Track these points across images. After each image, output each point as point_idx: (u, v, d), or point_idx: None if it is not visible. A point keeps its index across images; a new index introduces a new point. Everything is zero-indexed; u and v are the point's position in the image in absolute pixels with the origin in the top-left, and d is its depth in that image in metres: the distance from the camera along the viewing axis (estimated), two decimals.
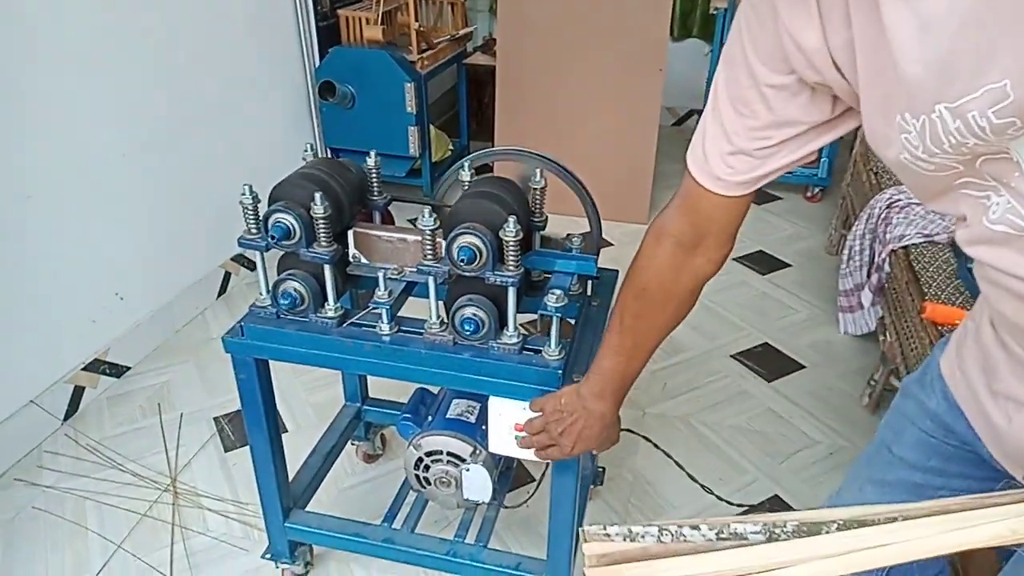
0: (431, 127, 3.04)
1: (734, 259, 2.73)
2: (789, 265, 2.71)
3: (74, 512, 1.67)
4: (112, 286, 2.05)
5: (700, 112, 3.39)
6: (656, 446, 1.44)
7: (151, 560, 1.56)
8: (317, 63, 2.78)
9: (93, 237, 1.96)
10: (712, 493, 1.40)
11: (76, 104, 1.85)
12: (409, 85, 2.71)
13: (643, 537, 0.67)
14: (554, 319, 1.05)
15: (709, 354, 2.21)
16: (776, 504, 1.70)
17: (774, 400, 2.03)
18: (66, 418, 1.93)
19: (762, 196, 3.24)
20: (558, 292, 1.04)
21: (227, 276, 2.49)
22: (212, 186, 2.38)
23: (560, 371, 1.07)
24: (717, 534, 0.68)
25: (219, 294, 2.47)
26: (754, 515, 0.65)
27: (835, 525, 0.62)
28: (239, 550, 1.58)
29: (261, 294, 1.17)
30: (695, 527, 0.67)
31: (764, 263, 2.71)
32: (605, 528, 0.67)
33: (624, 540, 0.67)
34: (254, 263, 2.62)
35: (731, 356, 2.20)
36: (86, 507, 1.69)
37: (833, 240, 2.77)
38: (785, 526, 0.64)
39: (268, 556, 1.45)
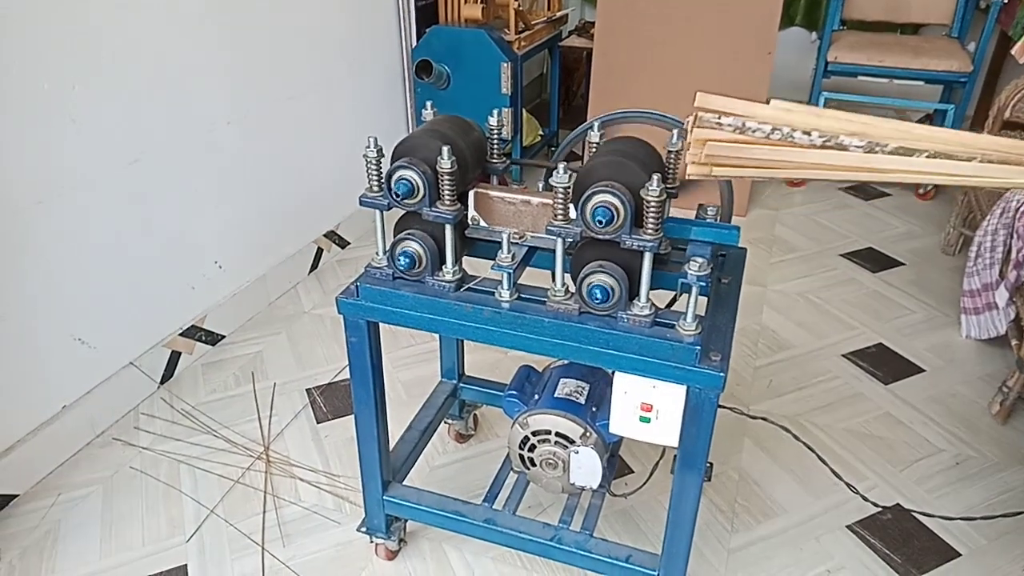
0: (523, 111, 2.98)
1: (841, 255, 2.58)
2: (902, 264, 2.53)
3: (168, 474, 1.68)
4: (212, 254, 2.06)
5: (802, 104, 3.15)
6: (796, 437, 1.34)
7: (243, 527, 1.55)
8: (414, 42, 2.75)
9: (197, 203, 1.98)
10: (858, 493, 1.28)
11: (188, 70, 1.86)
12: (506, 65, 2.66)
13: (754, 132, 0.83)
14: (694, 289, 0.97)
15: (818, 352, 2.08)
16: (899, 513, 1.57)
17: (892, 404, 1.89)
18: (162, 381, 1.95)
19: (870, 192, 3.06)
20: (700, 260, 0.95)
21: (319, 252, 2.49)
22: (306, 161, 2.38)
23: (697, 348, 0.98)
24: (824, 141, 0.83)
25: (311, 269, 2.47)
26: (861, 130, 0.83)
27: (925, 154, 0.82)
28: (331, 522, 1.54)
29: (377, 254, 1.13)
30: (807, 132, 0.83)
31: (874, 260, 2.55)
32: (719, 117, 0.83)
33: (735, 131, 0.82)
34: (346, 241, 2.64)
35: (842, 356, 2.06)
36: (180, 470, 1.69)
37: (951, 239, 2.58)
38: (886, 147, 0.82)
39: (364, 529, 1.41)
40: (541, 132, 3.25)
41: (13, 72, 1.45)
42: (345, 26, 2.46)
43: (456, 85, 2.74)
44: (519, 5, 2.78)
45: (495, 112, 1.18)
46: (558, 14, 3.13)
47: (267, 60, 2.13)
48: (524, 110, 3.02)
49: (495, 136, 1.20)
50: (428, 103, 1.19)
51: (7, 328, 1.55)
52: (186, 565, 1.46)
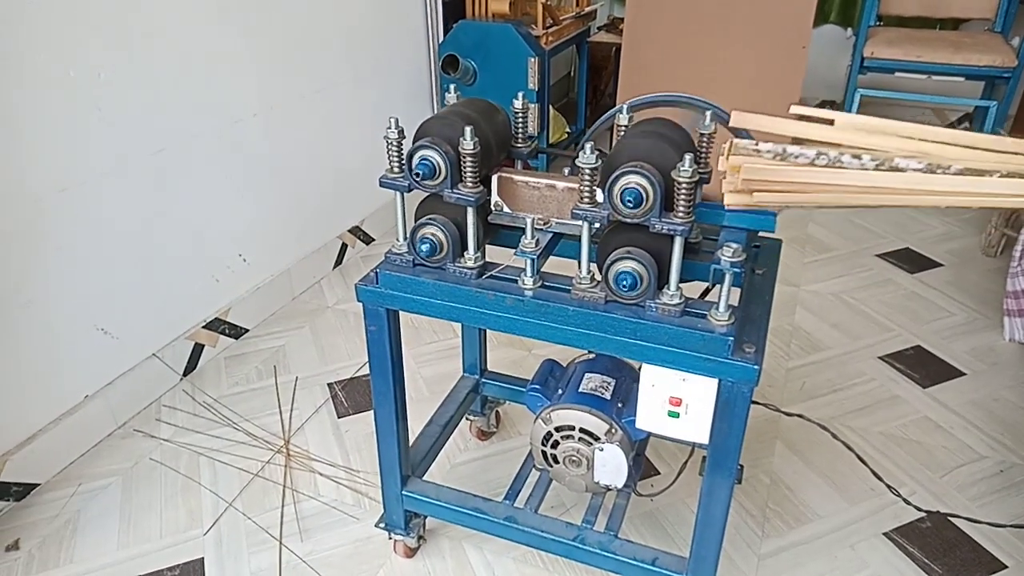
0: (550, 108, 2.94)
1: (877, 255, 2.50)
2: (940, 265, 2.45)
3: (188, 467, 1.66)
4: (236, 247, 2.05)
5: (834, 103, 3.17)
6: (835, 436, 1.28)
7: (261, 521, 1.52)
8: (441, 37, 2.73)
9: (222, 195, 1.97)
10: (899, 496, 1.22)
11: (214, 60, 1.85)
12: (533, 60, 2.62)
13: (796, 157, 0.73)
14: (727, 276, 0.92)
15: (853, 355, 2.01)
16: (940, 521, 1.50)
17: (931, 408, 1.81)
18: (185, 374, 1.94)
19: None
20: (735, 246, 0.90)
21: (343, 247, 2.48)
22: (332, 156, 2.36)
23: (730, 339, 0.93)
24: (877, 165, 0.73)
25: (335, 264, 2.45)
26: (921, 150, 0.73)
27: (998, 173, 0.71)
28: (350, 518, 1.52)
29: (398, 240, 1.09)
30: (857, 156, 0.73)
31: (912, 261, 2.46)
32: (757, 144, 0.74)
33: (775, 158, 0.73)
34: (371, 237, 2.63)
35: (879, 358, 1.99)
36: (200, 463, 1.68)
37: (992, 240, 2.49)
38: (949, 168, 0.72)
39: (382, 525, 1.37)
40: (568, 129, 3.21)
41: (40, 59, 1.45)
42: (371, 20, 2.44)
43: (483, 80, 2.71)
44: (547, 0, 2.74)
45: (520, 95, 1.15)
46: (587, 9, 3.09)
47: (293, 54, 2.12)
48: (551, 107, 2.98)
49: (520, 120, 1.16)
50: (452, 86, 1.16)
51: (31, 317, 1.55)
52: (203, 558, 1.44)
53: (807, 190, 0.75)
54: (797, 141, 0.79)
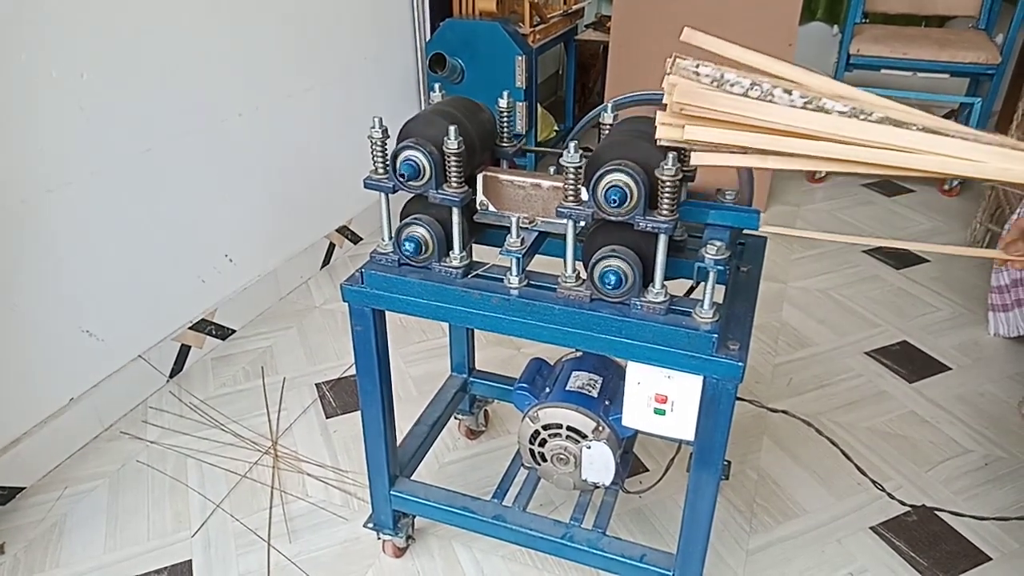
0: (538, 106, 2.94)
1: (864, 251, 2.52)
2: (926, 260, 2.46)
3: (175, 468, 1.66)
4: (223, 247, 2.04)
5: None
6: (819, 432, 1.28)
7: (249, 522, 1.52)
8: (428, 35, 2.73)
9: (208, 195, 1.96)
10: (884, 491, 1.23)
11: (200, 59, 1.84)
12: (520, 58, 2.62)
13: (732, 86, 0.76)
14: (711, 274, 0.92)
15: (840, 350, 2.02)
16: (925, 515, 1.51)
17: (917, 403, 1.82)
18: (172, 375, 1.93)
19: (892, 188, 2.99)
20: (718, 244, 0.91)
21: (331, 247, 2.47)
22: (318, 155, 2.36)
23: (714, 336, 0.94)
24: (805, 102, 0.75)
25: (323, 265, 2.45)
26: (849, 95, 0.77)
27: (916, 127, 0.74)
28: (339, 518, 1.51)
29: (383, 240, 1.09)
30: (788, 91, 0.76)
31: (898, 257, 2.48)
32: (697, 66, 0.78)
33: (712, 82, 0.77)
34: (359, 236, 2.62)
35: (865, 353, 2.00)
36: (187, 464, 1.67)
37: (977, 235, 2.51)
38: (871, 115, 0.75)
39: (370, 525, 1.37)
40: (556, 127, 3.21)
41: (22, 59, 1.44)
42: (358, 19, 2.44)
43: (470, 79, 2.71)
44: None
45: (505, 94, 1.14)
46: (574, 7, 3.09)
47: (279, 52, 2.11)
48: (539, 105, 2.98)
49: (505, 119, 1.16)
50: (436, 85, 1.16)
51: (15, 319, 1.53)
52: (191, 560, 1.44)
53: (736, 127, 0.78)
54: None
